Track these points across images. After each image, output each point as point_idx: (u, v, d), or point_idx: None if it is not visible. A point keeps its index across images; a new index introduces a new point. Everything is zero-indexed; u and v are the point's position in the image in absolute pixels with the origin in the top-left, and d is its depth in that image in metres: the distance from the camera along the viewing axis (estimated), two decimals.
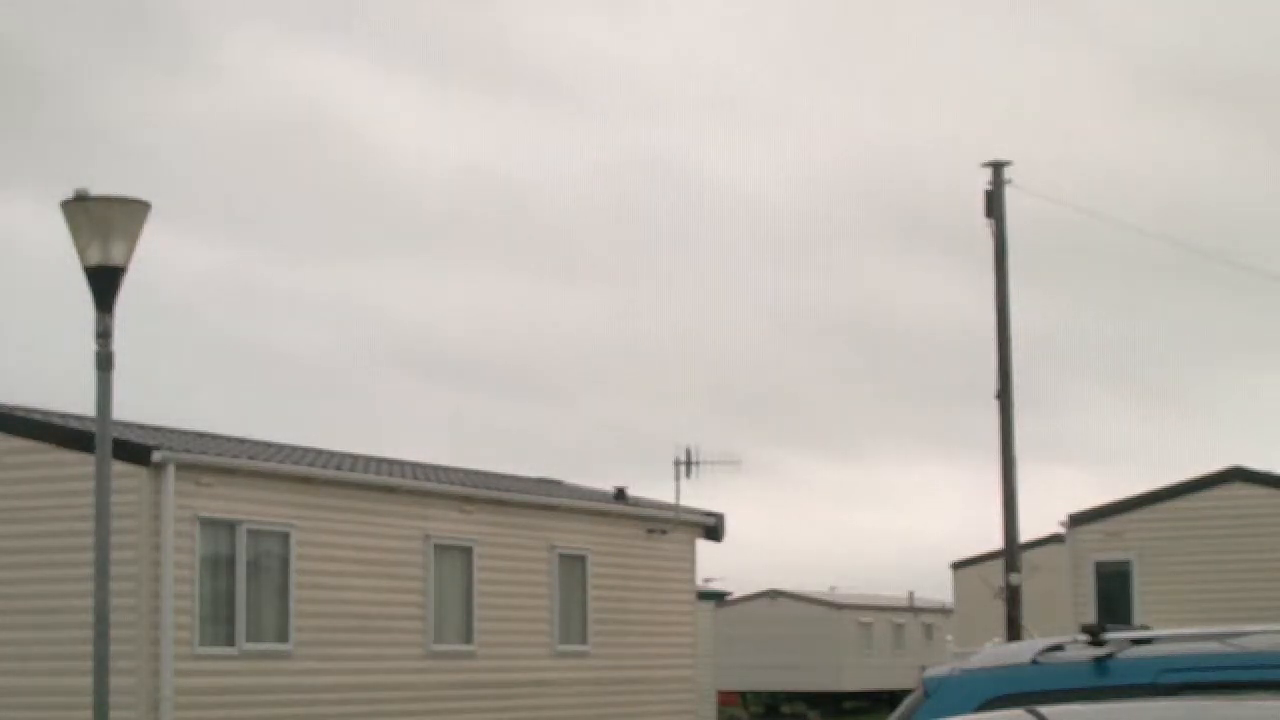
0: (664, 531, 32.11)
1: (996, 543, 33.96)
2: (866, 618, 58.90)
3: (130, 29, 65.23)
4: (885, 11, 73.58)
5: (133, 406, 23.88)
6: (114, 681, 15.72)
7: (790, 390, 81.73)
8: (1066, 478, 67.96)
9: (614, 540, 31.04)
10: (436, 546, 27.24)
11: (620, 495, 32.27)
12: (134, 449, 22.46)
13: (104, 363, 15.08)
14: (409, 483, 27.03)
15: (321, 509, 25.22)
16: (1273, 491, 36.39)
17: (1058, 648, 6.55)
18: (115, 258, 14.95)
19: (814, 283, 73.99)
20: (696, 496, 33.23)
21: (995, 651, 7.15)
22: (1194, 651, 6.38)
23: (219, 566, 23.65)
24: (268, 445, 27.57)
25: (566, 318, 76.46)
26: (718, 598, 48.02)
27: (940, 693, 6.47)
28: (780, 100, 73.21)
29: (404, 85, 71.38)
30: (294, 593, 24.60)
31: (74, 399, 23.70)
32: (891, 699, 50.57)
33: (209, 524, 23.43)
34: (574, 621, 29.98)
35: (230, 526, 23.77)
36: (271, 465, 24.78)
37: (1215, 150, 72.30)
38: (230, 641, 23.67)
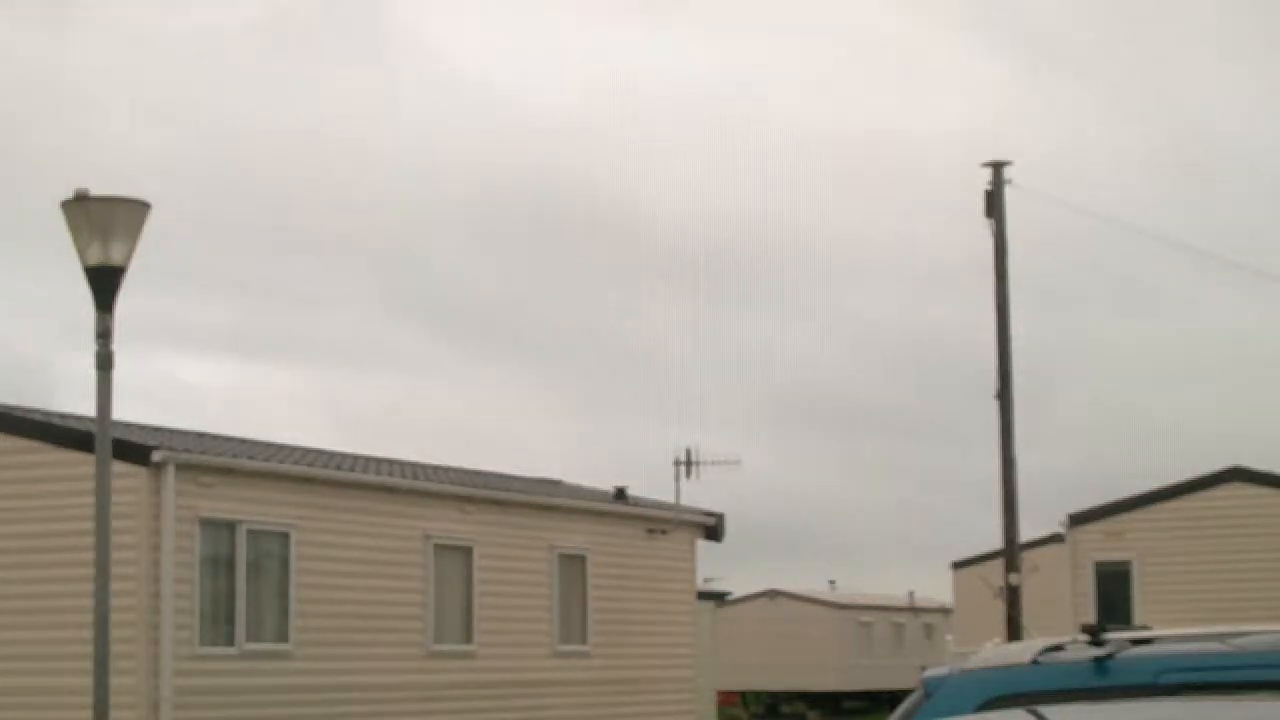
0: (664, 531, 32.10)
1: (996, 543, 33.96)
2: (866, 618, 58.90)
3: None
4: None
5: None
6: (114, 681, 15.72)
7: None
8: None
9: (614, 540, 31.02)
10: (436, 546, 27.23)
11: (620, 495, 32.26)
12: (134, 449, 22.44)
13: (104, 363, 15.06)
14: (409, 483, 27.02)
15: (321, 509, 25.21)
16: (1273, 491, 36.42)
17: (1058, 648, 6.55)
18: (115, 258, 14.94)
19: None
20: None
21: (995, 651, 7.14)
22: (1194, 651, 6.37)
23: (219, 566, 23.63)
24: (268, 445, 27.57)
25: None
26: (718, 598, 48.00)
27: (940, 693, 6.46)
28: None
29: None
30: (294, 593, 24.58)
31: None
32: (891, 699, 50.54)
33: (209, 524, 23.42)
34: (574, 621, 29.97)
35: (230, 527, 23.76)
36: (271, 465, 24.77)
37: None
38: (230, 641, 23.65)
